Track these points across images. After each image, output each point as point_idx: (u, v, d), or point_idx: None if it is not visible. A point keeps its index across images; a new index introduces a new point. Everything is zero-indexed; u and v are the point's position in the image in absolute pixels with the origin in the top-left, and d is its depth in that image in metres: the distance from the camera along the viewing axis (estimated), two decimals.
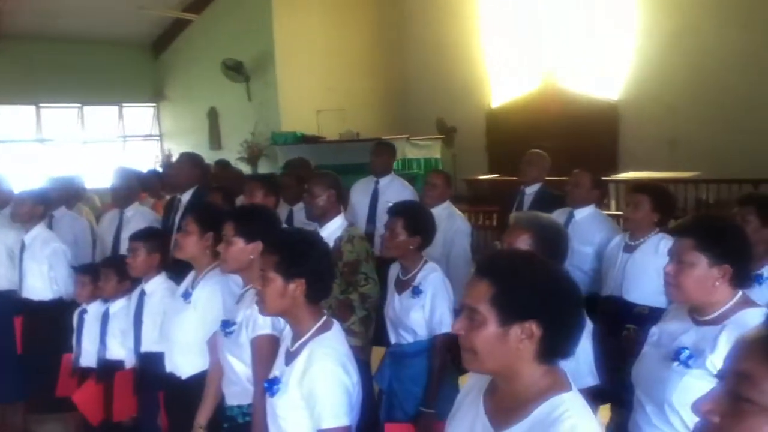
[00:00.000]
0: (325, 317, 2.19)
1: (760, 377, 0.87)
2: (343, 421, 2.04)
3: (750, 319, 1.91)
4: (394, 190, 5.20)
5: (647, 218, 3.51)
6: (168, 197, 5.56)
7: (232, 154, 10.72)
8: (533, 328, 1.43)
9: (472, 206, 9.34)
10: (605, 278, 3.71)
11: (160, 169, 8.65)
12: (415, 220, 3.14)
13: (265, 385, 2.16)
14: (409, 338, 3.15)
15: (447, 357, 3.07)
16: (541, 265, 1.54)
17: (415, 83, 13.30)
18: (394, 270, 3.32)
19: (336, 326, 2.20)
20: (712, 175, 9.06)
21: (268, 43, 11.40)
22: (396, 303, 3.19)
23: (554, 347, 1.45)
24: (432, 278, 3.11)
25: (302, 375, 2.05)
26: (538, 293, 1.45)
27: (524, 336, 1.43)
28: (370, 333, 3.65)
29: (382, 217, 4.91)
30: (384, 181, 5.35)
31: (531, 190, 4.98)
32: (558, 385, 1.46)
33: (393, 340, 3.25)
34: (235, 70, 11.45)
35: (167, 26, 12.88)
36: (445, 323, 3.03)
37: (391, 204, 3.40)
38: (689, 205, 8.51)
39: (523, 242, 2.38)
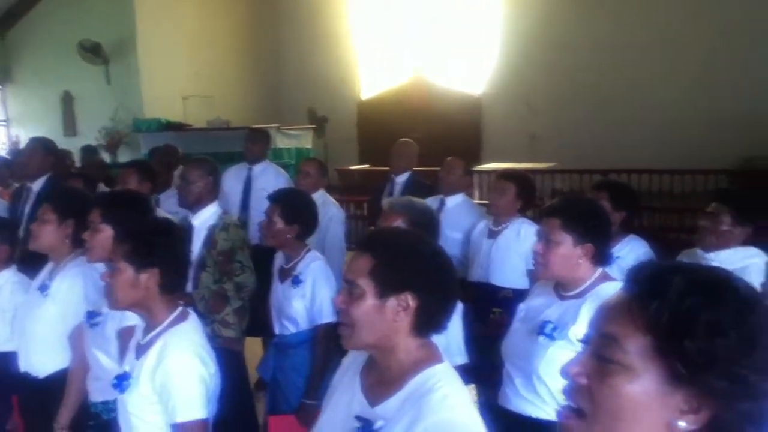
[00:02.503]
0: (180, 308, 2.08)
1: (623, 339, 0.93)
2: (200, 413, 1.96)
3: (607, 291, 2.05)
4: (269, 176, 5.08)
5: (511, 205, 3.66)
6: (16, 185, 5.14)
7: (90, 141, 10.01)
8: (409, 299, 1.47)
9: (344, 196, 9.37)
10: (472, 264, 3.84)
11: (8, 156, 8.00)
12: (292, 209, 3.05)
13: (114, 381, 2.04)
14: (292, 328, 3.08)
15: (330, 347, 3.00)
16: (418, 240, 1.60)
17: (286, 72, 13.16)
18: (279, 259, 3.23)
19: (192, 317, 2.10)
20: (567, 166, 9.74)
21: (129, 24, 10.77)
22: (279, 292, 3.12)
23: (429, 319, 1.50)
24: (313, 267, 3.03)
25: (155, 368, 1.96)
26: (414, 265, 1.50)
27: (400, 308, 1.47)
28: (244, 324, 3.56)
29: (256, 205, 4.81)
30: (258, 168, 5.22)
31: (401, 179, 5.02)
32: (431, 358, 1.51)
33: (277, 330, 3.16)
34: (92, 51, 10.72)
35: (15, 1, 11.83)
36: (326, 313, 2.98)
37: (265, 191, 3.31)
38: (545, 194, 9.04)
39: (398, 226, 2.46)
